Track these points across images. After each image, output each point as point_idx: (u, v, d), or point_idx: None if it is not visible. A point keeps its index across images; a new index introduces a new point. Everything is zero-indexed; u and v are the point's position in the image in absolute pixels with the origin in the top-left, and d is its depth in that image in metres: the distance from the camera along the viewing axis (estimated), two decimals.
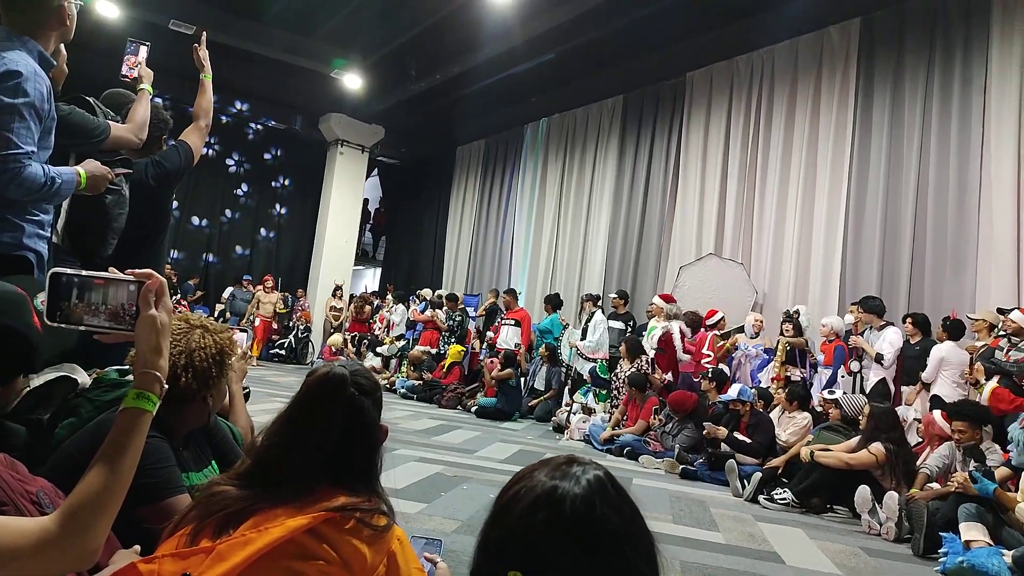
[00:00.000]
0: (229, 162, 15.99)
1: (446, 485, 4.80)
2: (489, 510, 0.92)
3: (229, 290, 14.14)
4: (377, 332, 13.47)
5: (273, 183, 16.59)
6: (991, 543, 4.07)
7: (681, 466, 6.53)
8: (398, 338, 12.72)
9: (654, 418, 7.40)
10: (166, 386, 1.17)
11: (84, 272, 1.16)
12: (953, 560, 4.00)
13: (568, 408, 8.85)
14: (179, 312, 1.78)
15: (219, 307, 13.89)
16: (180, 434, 1.77)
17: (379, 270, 18.97)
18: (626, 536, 0.85)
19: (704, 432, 6.27)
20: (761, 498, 5.56)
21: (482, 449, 6.66)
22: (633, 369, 7.97)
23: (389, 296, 14.35)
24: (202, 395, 1.73)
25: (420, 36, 10.63)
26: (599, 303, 9.77)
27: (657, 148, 10.87)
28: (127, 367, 1.95)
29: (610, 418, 7.98)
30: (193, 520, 1.17)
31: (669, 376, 8.08)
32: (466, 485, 4.89)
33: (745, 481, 5.78)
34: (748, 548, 4.17)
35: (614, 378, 8.48)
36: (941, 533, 4.33)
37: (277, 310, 13.87)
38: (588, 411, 8.45)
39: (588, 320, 9.44)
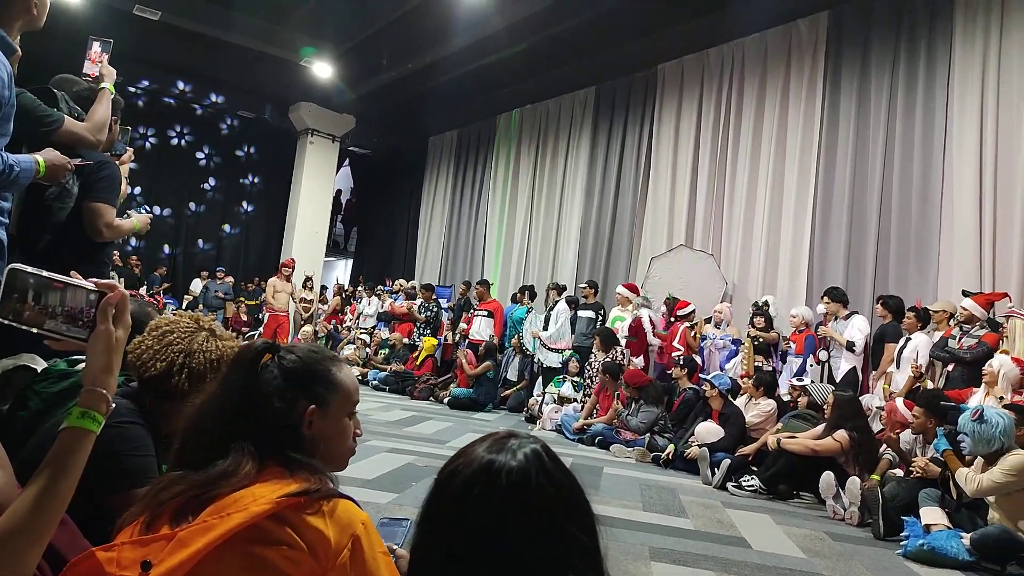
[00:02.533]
0: (196, 152, 15.74)
1: (417, 475, 4.80)
2: (430, 487, 0.92)
3: (197, 281, 13.91)
4: (348, 324, 13.37)
5: (242, 172, 16.41)
6: (950, 526, 4.18)
7: (652, 454, 6.60)
8: (371, 329, 12.65)
9: (617, 403, 7.47)
10: (112, 405, 1.12)
11: (44, 273, 1.11)
12: (914, 543, 4.11)
13: (540, 398, 8.87)
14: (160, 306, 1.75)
15: (187, 299, 13.66)
16: (166, 430, 1.74)
17: (351, 261, 18.83)
18: (562, 508, 0.86)
19: (685, 455, 6.32)
20: (730, 485, 5.64)
21: (454, 440, 6.66)
22: (607, 359, 8.02)
23: (360, 288, 14.27)
24: (189, 397, 1.69)
25: (392, 25, 10.52)
26: (563, 293, 9.84)
27: (629, 139, 10.92)
28: (76, 357, 1.90)
29: (582, 408, 8.02)
30: (146, 508, 1.14)
31: (640, 360, 8.13)
32: None
33: (715, 468, 5.86)
34: (716, 534, 4.23)
35: (587, 368, 8.52)
36: (903, 517, 4.44)
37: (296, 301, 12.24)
38: (563, 401, 8.48)
39: (550, 309, 9.49)
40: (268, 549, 1.04)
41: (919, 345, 6.30)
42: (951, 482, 4.40)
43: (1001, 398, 5.07)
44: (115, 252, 11.71)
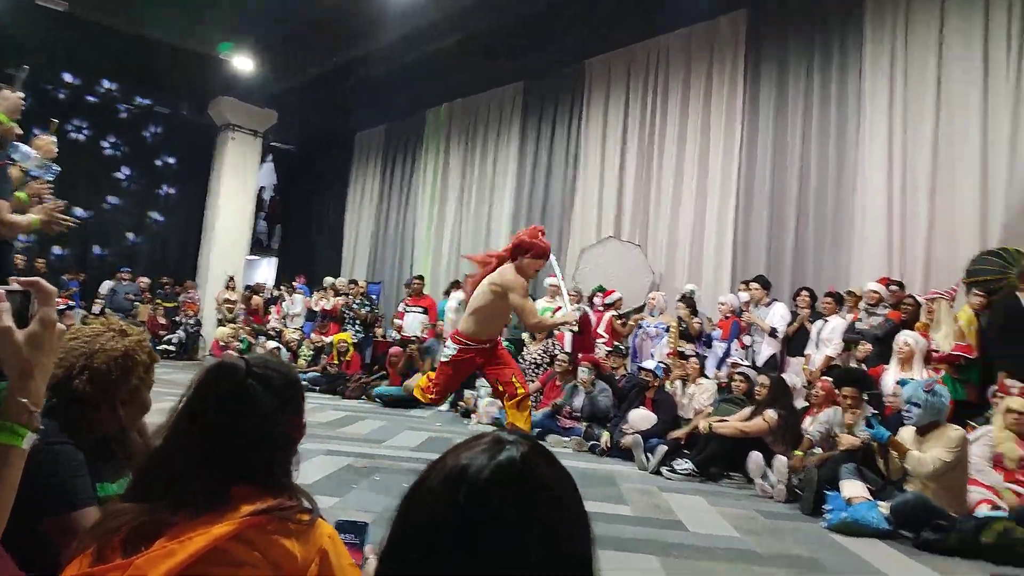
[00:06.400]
0: (106, 147, 14.94)
1: (357, 477, 4.73)
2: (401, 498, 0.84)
3: (107, 284, 13.25)
4: (273, 323, 13.01)
5: (157, 170, 15.65)
6: (869, 498, 4.42)
7: (589, 443, 6.71)
8: (299, 328, 12.36)
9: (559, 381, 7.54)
10: (34, 411, 1.01)
11: None
12: (837, 516, 4.32)
13: (476, 392, 8.88)
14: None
15: (98, 303, 12.95)
16: (88, 440, 1.66)
17: (275, 259, 18.32)
18: (550, 522, 0.78)
19: (620, 443, 6.44)
20: (664, 470, 5.79)
21: (391, 438, 6.60)
22: (540, 349, 8.10)
23: (295, 284, 13.87)
24: (103, 400, 1.62)
25: (316, 18, 10.28)
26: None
27: (558, 133, 11.04)
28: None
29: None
30: (95, 538, 1.08)
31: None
32: (378, 476, 4.84)
33: (649, 454, 6.01)
34: (655, 518, 4.35)
35: (520, 360, 8.58)
36: (826, 491, 4.66)
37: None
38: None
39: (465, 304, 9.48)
40: (233, 571, 1.01)
41: (836, 326, 6.66)
42: (881, 462, 4.63)
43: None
44: (17, 256, 11.03)
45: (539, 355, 8.21)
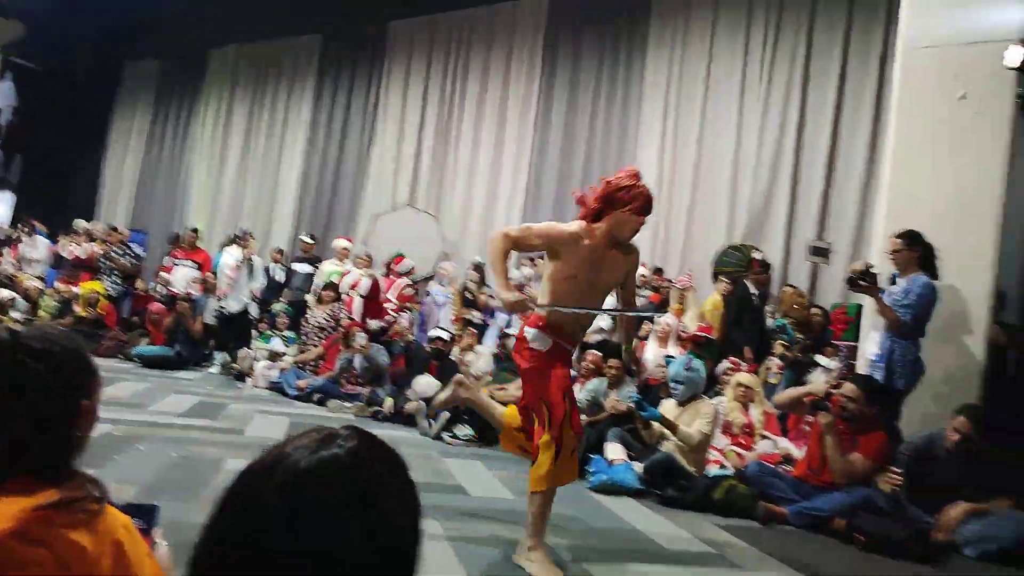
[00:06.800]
0: None
1: (118, 446, 4.32)
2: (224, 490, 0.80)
3: None
4: (7, 267, 11.25)
5: None
6: (627, 460, 4.93)
7: (371, 408, 6.71)
8: (39, 277, 10.80)
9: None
10: None
11: None
12: (599, 477, 4.78)
13: (251, 352, 8.45)
14: None
15: None
16: None
17: (11, 195, 15.76)
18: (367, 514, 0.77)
19: (403, 409, 6.50)
20: (446, 435, 5.99)
21: (155, 403, 6.09)
22: (327, 313, 7.91)
23: (35, 225, 12.03)
24: None
25: None
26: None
27: (356, 94, 10.74)
28: None
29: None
30: None
31: (378, 323, 8.12)
32: (142, 445, 4.46)
33: (432, 420, 6.17)
34: (437, 483, 4.50)
35: (304, 323, 8.32)
36: (590, 454, 5.12)
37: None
38: (275, 357, 8.16)
39: (248, 262, 9.02)
40: (16, 572, 0.91)
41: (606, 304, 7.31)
42: (639, 429, 5.17)
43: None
44: None
45: (324, 319, 8.01)
